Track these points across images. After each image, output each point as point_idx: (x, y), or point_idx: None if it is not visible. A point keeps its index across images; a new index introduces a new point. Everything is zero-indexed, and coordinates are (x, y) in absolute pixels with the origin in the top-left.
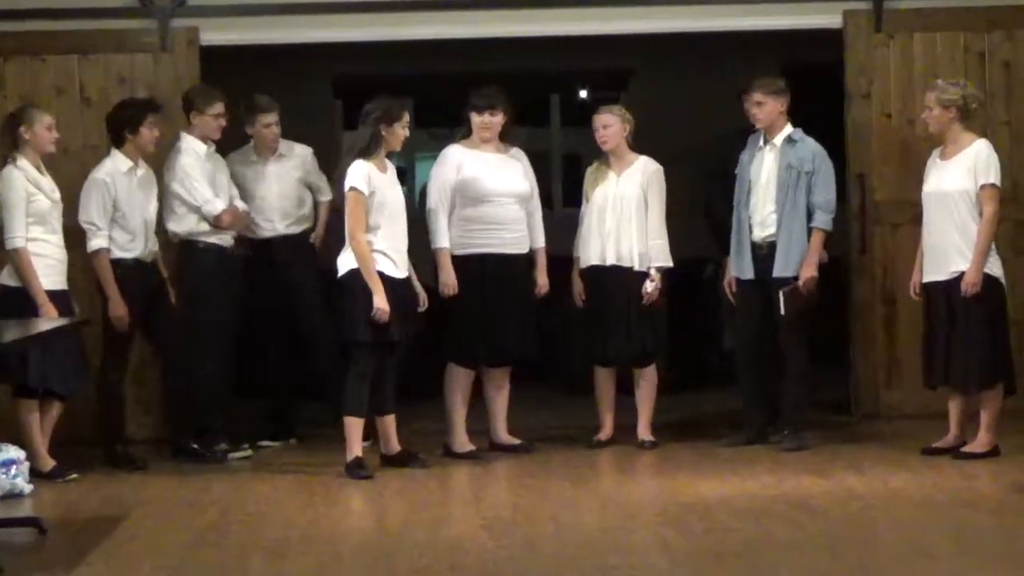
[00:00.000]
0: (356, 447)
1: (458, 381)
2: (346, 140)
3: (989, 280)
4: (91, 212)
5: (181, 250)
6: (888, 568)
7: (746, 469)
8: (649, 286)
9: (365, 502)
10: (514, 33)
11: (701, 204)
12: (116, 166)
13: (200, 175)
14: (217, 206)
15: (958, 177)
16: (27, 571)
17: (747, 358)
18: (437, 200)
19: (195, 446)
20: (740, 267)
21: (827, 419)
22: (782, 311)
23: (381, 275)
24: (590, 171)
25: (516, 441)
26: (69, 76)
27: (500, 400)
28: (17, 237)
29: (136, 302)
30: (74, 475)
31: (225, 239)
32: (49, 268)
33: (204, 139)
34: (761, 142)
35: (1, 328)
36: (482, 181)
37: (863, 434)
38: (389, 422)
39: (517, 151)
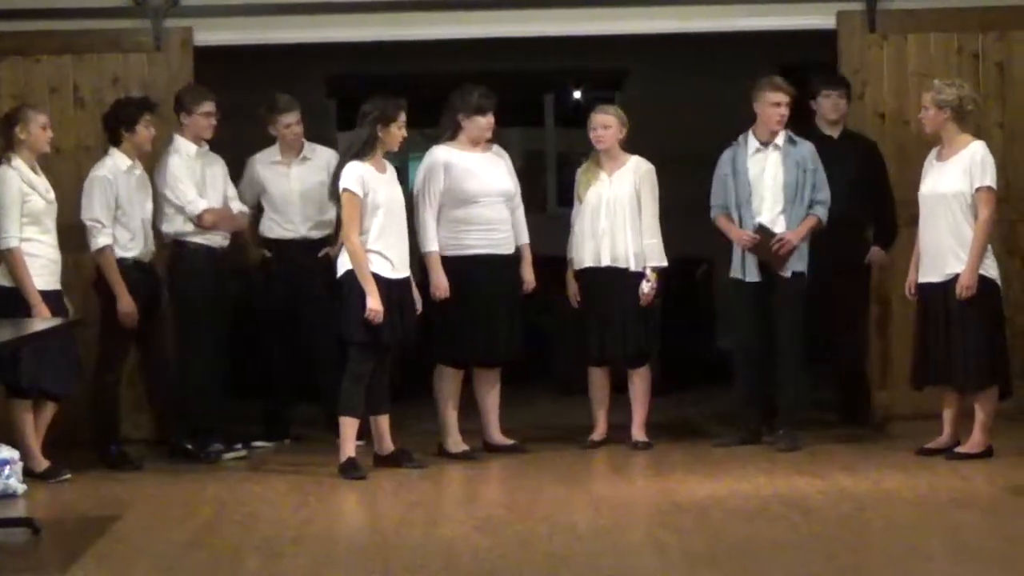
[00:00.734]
0: (350, 447)
1: (447, 382)
2: (341, 141)
3: (985, 282)
4: (95, 209)
5: (172, 250)
6: (882, 569)
7: (740, 469)
8: (646, 286)
9: (359, 502)
10: (508, 33)
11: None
12: (116, 164)
13: (186, 176)
14: (199, 206)
15: (954, 179)
16: (21, 571)
17: (745, 358)
18: (426, 203)
19: (189, 446)
20: (740, 267)
21: (822, 419)
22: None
23: (376, 276)
24: (581, 172)
25: (509, 441)
26: (63, 76)
27: (491, 400)
28: (11, 237)
29: (137, 302)
30: (68, 475)
31: (215, 239)
32: (43, 268)
33: (196, 139)
34: (756, 144)
35: None
36: (471, 182)
37: (857, 435)
38: (383, 422)
39: (498, 149)
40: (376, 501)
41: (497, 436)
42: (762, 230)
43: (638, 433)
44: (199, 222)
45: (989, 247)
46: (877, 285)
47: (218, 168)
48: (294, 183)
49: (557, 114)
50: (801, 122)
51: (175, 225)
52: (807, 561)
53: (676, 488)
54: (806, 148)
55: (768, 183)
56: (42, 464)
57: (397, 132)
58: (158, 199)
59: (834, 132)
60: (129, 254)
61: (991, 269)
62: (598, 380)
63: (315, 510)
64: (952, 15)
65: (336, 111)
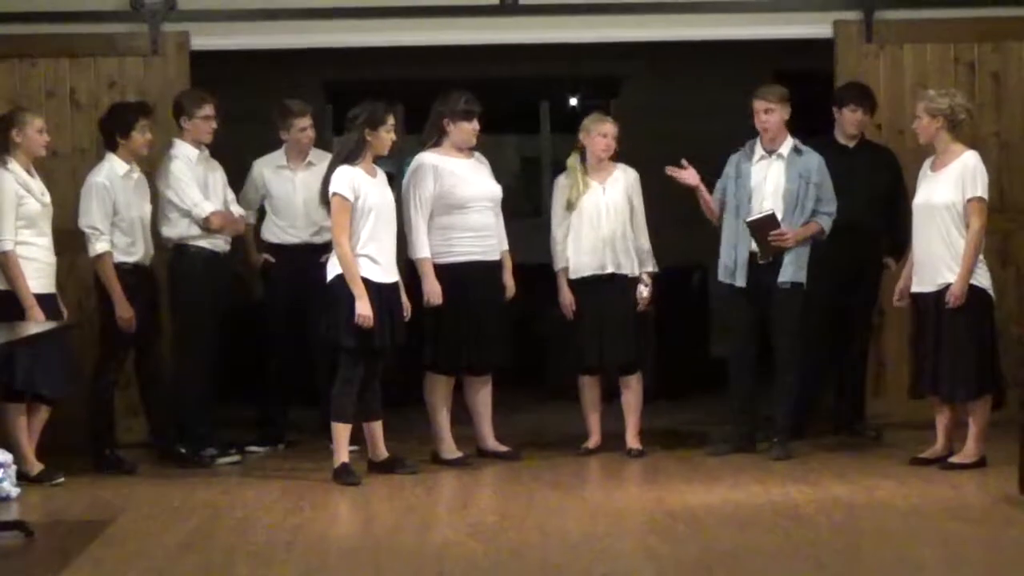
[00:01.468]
0: (343, 453)
1: (439, 389)
2: (335, 145)
3: (976, 292)
4: (93, 216)
5: (174, 255)
6: None
7: (733, 477)
8: (645, 291)
9: (352, 508)
10: (506, 40)
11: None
12: (113, 169)
13: (190, 179)
14: (205, 208)
15: (946, 189)
16: (13, 575)
17: (739, 366)
18: (416, 210)
19: (183, 451)
20: (731, 273)
21: (817, 427)
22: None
23: (366, 281)
24: (567, 181)
25: (503, 448)
26: (59, 79)
27: (484, 407)
28: (6, 240)
29: (135, 306)
30: (61, 479)
31: (217, 244)
32: (38, 271)
33: (196, 143)
34: (762, 151)
35: None
36: (461, 188)
37: (850, 443)
38: (376, 428)
39: (479, 155)
40: (370, 507)
41: (491, 443)
42: (770, 218)
43: (632, 441)
44: (206, 224)
45: (981, 257)
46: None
47: (218, 173)
48: (299, 188)
49: (553, 121)
50: (820, 129)
51: (178, 229)
52: (800, 570)
53: (669, 496)
54: (813, 159)
55: (769, 190)
56: (36, 467)
57: (386, 136)
58: (160, 203)
59: (851, 142)
60: (129, 259)
61: (983, 279)
62: (589, 388)
63: (308, 515)
64: (948, 25)
65: (333, 116)
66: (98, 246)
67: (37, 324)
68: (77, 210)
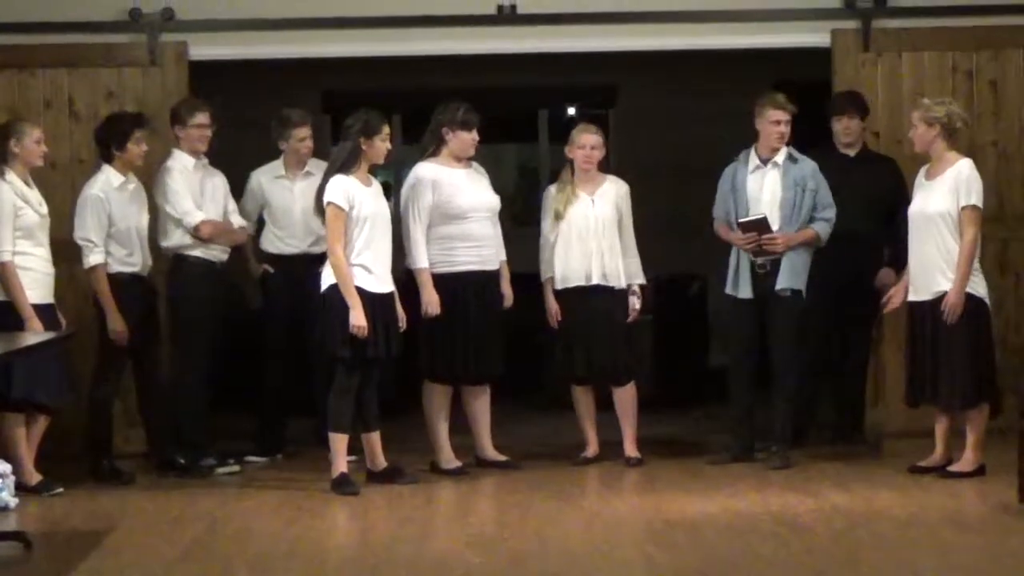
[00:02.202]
0: (342, 463)
1: (437, 399)
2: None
3: (973, 300)
4: (87, 229)
5: (172, 265)
6: None
7: (732, 486)
8: (636, 303)
9: (351, 518)
10: (504, 49)
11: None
12: (109, 181)
13: (183, 188)
14: (196, 217)
15: (940, 198)
16: None
17: (740, 375)
18: (415, 220)
19: (181, 461)
20: (735, 285)
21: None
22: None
23: (360, 290)
24: (556, 192)
25: (502, 457)
26: (57, 89)
27: (483, 416)
28: (4, 251)
29: (133, 316)
30: (60, 489)
31: (214, 253)
32: (35, 282)
33: (192, 152)
34: (757, 160)
35: None
36: (460, 198)
37: (849, 452)
38: (374, 439)
39: (477, 165)
40: (368, 517)
41: (490, 452)
42: (762, 221)
43: (630, 450)
44: (196, 233)
45: (977, 265)
46: None
47: (218, 181)
48: (297, 198)
49: (551, 130)
50: (821, 140)
51: (174, 239)
52: None
53: (668, 505)
54: (807, 167)
55: (765, 200)
56: (34, 478)
57: (381, 145)
58: (157, 213)
59: (851, 151)
60: (128, 269)
61: (978, 287)
62: (583, 398)
63: (307, 525)
64: (946, 34)
65: (332, 126)
66: (92, 258)
67: (35, 334)
68: (73, 220)
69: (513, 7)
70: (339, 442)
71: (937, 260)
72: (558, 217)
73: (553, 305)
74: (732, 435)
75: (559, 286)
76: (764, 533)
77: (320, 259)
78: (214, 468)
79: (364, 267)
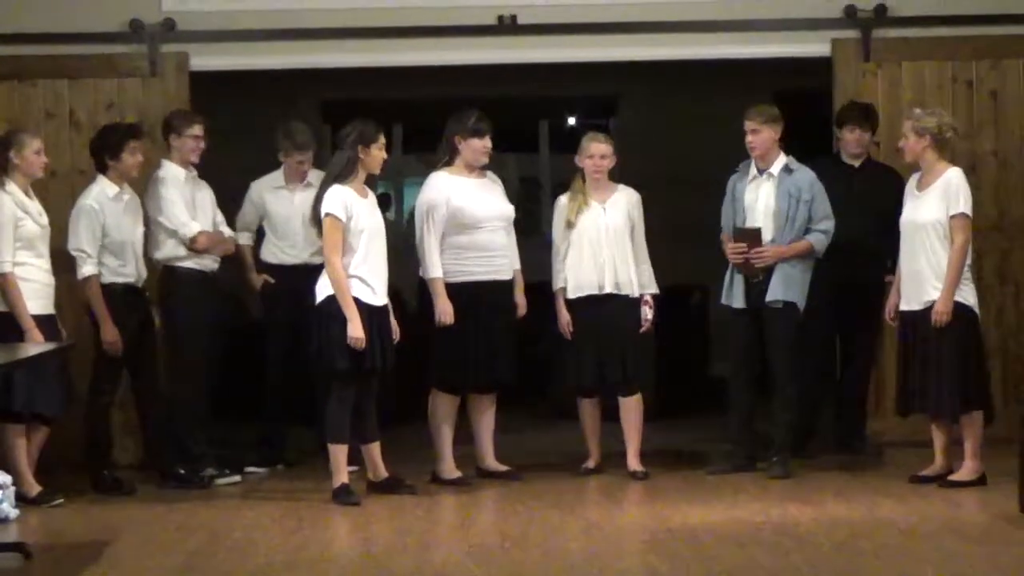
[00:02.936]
0: (342, 473)
1: (444, 408)
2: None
3: (962, 309)
4: (81, 240)
5: (163, 275)
6: None
7: (733, 496)
8: (648, 312)
9: (352, 528)
10: (504, 60)
11: (689, 231)
12: (103, 191)
13: (177, 199)
14: (192, 228)
15: (930, 207)
16: None
17: (738, 385)
18: (428, 229)
19: (182, 471)
20: (730, 295)
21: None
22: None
23: (357, 302)
24: (567, 201)
25: (504, 468)
26: (58, 100)
27: (486, 426)
28: (4, 262)
29: (127, 327)
30: (60, 500)
31: (206, 263)
32: (36, 292)
33: (184, 163)
34: (755, 171)
35: None
36: (473, 207)
37: (850, 462)
38: (375, 449)
39: (491, 175)
40: (369, 527)
41: (492, 462)
42: (755, 232)
43: (634, 463)
44: (193, 244)
45: (968, 274)
46: None
47: (206, 193)
48: (297, 208)
49: (552, 140)
50: (822, 148)
51: (166, 250)
52: None
53: (669, 515)
54: (804, 177)
55: (760, 210)
56: (34, 489)
57: (378, 153)
58: (149, 224)
59: (856, 161)
60: (121, 279)
61: (968, 296)
62: (589, 411)
63: (308, 536)
64: (946, 43)
65: (332, 137)
66: (85, 269)
67: (36, 345)
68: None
69: (513, 18)
70: (338, 453)
71: (928, 269)
72: (569, 226)
73: (565, 315)
74: (733, 445)
75: (571, 295)
76: (765, 543)
77: (320, 270)
78: (214, 479)
79: (360, 279)
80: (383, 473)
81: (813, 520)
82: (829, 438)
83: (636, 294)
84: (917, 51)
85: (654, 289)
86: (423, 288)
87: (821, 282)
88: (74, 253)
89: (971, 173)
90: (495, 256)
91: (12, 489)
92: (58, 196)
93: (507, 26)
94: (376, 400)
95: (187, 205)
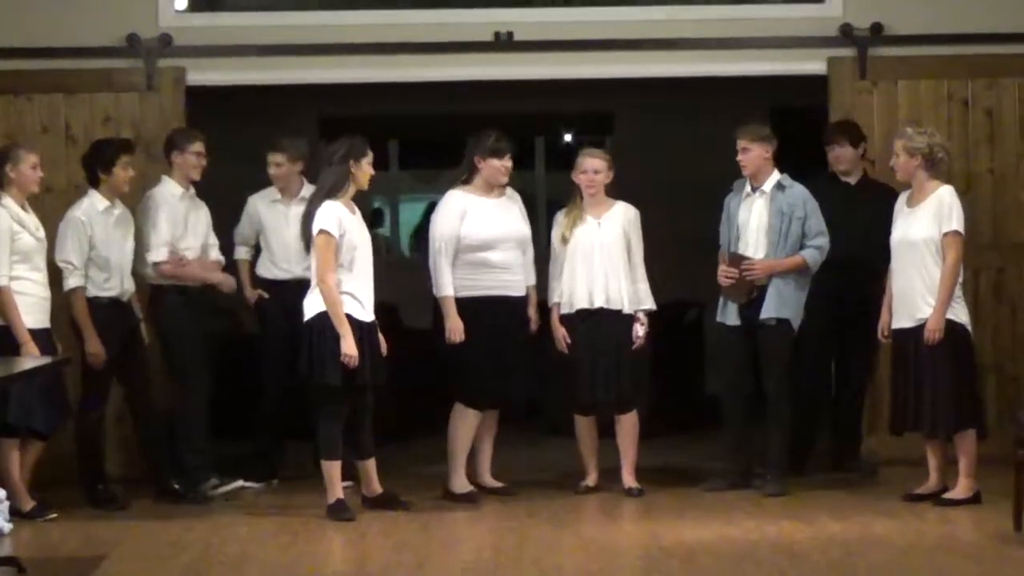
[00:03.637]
0: (337, 489)
1: (467, 422)
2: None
3: (954, 327)
4: (67, 251)
5: (152, 292)
6: None
7: (728, 514)
8: (640, 330)
9: (347, 544)
10: (500, 76)
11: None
12: (93, 205)
13: (163, 218)
14: (159, 254)
15: (922, 225)
16: None
17: (732, 403)
18: (441, 247)
19: (176, 486)
20: (724, 312)
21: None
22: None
23: (349, 318)
24: (563, 217)
25: (498, 484)
26: (54, 115)
27: (489, 442)
28: (1, 275)
29: (113, 341)
30: (54, 514)
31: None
32: (32, 306)
33: (184, 180)
34: (749, 188)
35: None
36: (488, 228)
37: (845, 480)
38: (370, 466)
39: (512, 192)
40: (364, 543)
41: (487, 478)
42: (735, 256)
43: (629, 480)
44: (156, 271)
45: (959, 292)
46: None
47: (202, 214)
48: (292, 223)
49: (547, 157)
50: (817, 166)
51: (147, 267)
52: None
53: (664, 532)
54: (797, 194)
55: (752, 227)
56: (28, 503)
57: (368, 168)
58: (139, 240)
59: (851, 179)
60: (106, 294)
61: (960, 314)
62: (585, 428)
63: (303, 551)
64: (942, 62)
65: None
66: (71, 281)
67: (32, 359)
68: None
69: (510, 34)
70: (332, 469)
71: (920, 287)
72: (564, 240)
73: (560, 330)
74: (728, 462)
75: (565, 310)
76: (761, 561)
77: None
78: (217, 487)
79: (351, 295)
80: (378, 489)
81: (808, 538)
82: (825, 456)
83: (628, 310)
84: (913, 69)
85: (650, 305)
86: (436, 306)
87: (818, 300)
88: (60, 264)
89: (967, 191)
90: (507, 273)
91: (6, 503)
92: (54, 210)
93: (504, 43)
94: (372, 416)
95: (180, 224)
